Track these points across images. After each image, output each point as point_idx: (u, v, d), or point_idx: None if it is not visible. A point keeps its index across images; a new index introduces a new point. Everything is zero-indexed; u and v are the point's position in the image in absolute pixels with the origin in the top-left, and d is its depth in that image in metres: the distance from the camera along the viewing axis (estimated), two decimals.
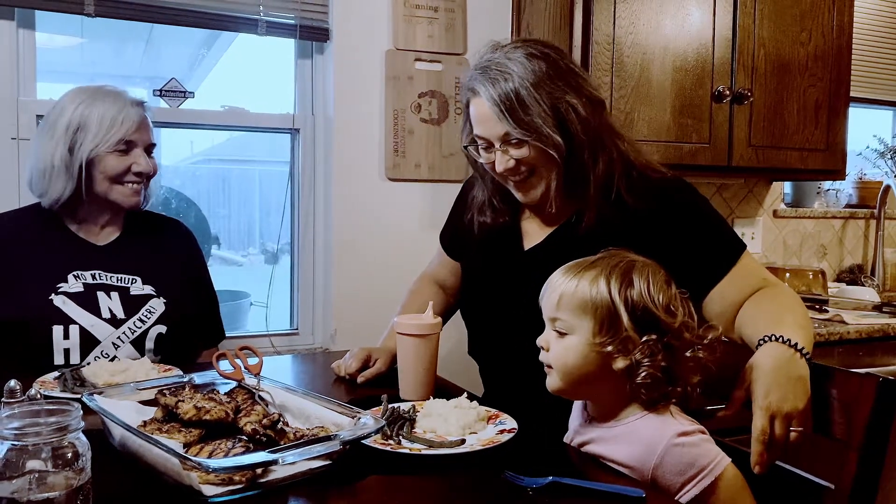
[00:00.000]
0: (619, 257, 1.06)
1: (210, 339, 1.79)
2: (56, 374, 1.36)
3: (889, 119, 3.35)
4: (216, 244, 2.97)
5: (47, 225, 1.62)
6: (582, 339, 1.02)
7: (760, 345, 1.11)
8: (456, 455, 1.02)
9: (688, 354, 1.02)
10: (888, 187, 2.95)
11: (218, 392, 1.12)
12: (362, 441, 0.99)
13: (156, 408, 1.07)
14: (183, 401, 1.02)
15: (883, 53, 3.05)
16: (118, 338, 1.55)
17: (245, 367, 1.21)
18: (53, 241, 1.61)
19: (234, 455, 0.92)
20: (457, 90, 2.24)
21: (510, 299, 1.39)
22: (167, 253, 1.72)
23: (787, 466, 1.13)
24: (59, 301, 1.53)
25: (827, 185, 3.09)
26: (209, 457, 0.91)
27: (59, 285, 1.54)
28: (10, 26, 1.90)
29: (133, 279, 1.62)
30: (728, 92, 2.20)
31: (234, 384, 1.18)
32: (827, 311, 2.27)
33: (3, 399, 1.06)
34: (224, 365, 1.21)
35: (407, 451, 1.02)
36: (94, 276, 1.59)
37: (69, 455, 0.74)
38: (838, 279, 2.99)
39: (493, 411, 1.17)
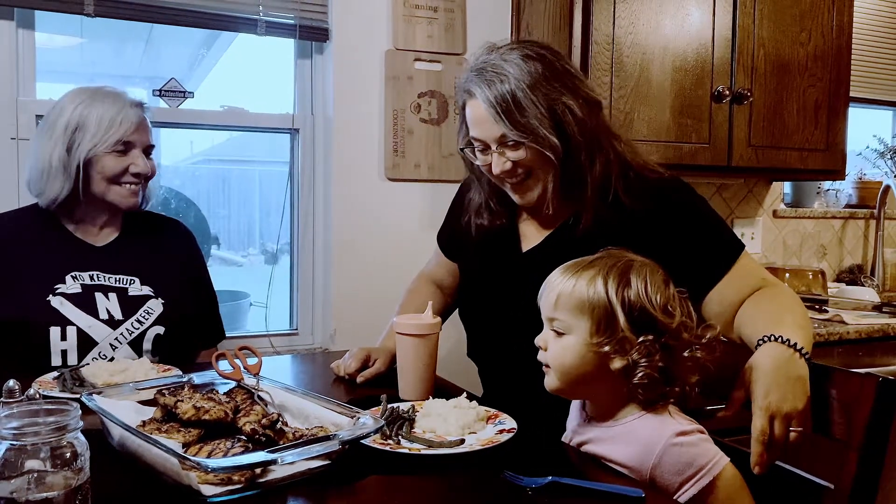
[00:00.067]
0: (618, 257, 1.06)
1: (209, 339, 1.79)
2: (55, 374, 1.36)
3: (889, 119, 3.35)
4: (216, 244, 2.96)
5: (46, 225, 1.62)
6: (579, 339, 1.02)
7: (759, 345, 1.11)
8: (455, 455, 1.02)
9: (686, 354, 1.02)
10: (888, 187, 2.95)
11: (217, 392, 1.12)
12: (361, 441, 0.99)
13: (155, 408, 1.07)
14: (182, 401, 1.02)
15: (882, 53, 3.05)
16: (116, 339, 1.55)
17: (244, 367, 1.21)
18: (52, 241, 1.61)
19: (233, 455, 0.92)
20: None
21: (508, 301, 1.39)
22: (166, 253, 1.72)
23: (787, 466, 1.13)
24: (56, 302, 1.52)
25: (827, 185, 3.09)
26: (208, 457, 0.91)
27: (56, 286, 1.54)
28: (9, 26, 1.90)
29: (131, 280, 1.62)
30: (728, 92, 2.20)
31: (233, 384, 1.18)
32: (827, 312, 2.27)
33: (2, 399, 1.06)
34: (223, 365, 1.21)
35: (406, 450, 1.02)
36: (92, 277, 1.58)
37: (68, 455, 0.74)
38: (838, 279, 2.99)
39: (493, 411, 1.17)
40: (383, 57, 2.18)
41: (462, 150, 1.40)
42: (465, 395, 1.20)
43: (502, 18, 2.32)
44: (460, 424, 1.09)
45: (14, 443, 0.72)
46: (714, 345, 1.04)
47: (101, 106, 1.56)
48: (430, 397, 1.23)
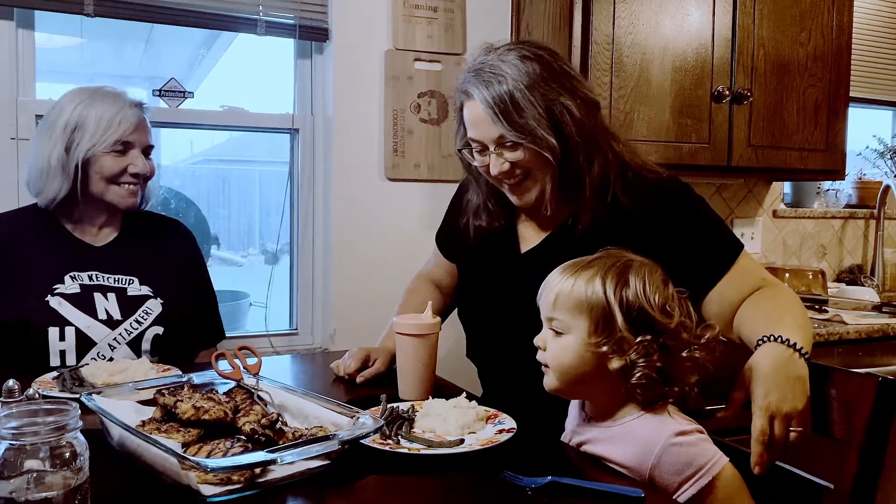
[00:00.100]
0: (617, 257, 1.06)
1: (209, 339, 1.79)
2: (55, 373, 1.36)
3: (889, 119, 3.35)
4: (216, 244, 2.96)
5: (45, 225, 1.62)
6: (578, 339, 1.02)
7: (759, 345, 1.11)
8: (455, 455, 1.02)
9: (684, 355, 1.01)
10: (888, 187, 2.95)
11: (217, 392, 1.12)
12: (361, 441, 0.99)
13: (154, 407, 1.07)
14: (181, 400, 1.02)
15: (882, 53, 3.05)
16: (114, 339, 1.55)
17: (244, 367, 1.21)
18: (51, 241, 1.61)
19: (233, 455, 0.92)
20: None
21: (507, 303, 1.39)
22: (166, 253, 1.72)
23: (787, 466, 1.13)
24: (55, 302, 1.52)
25: (826, 185, 3.09)
26: (207, 456, 0.91)
27: (55, 286, 1.54)
28: (9, 26, 1.90)
29: (130, 280, 1.62)
30: (727, 92, 2.20)
31: (232, 384, 1.18)
32: (826, 312, 2.27)
33: (1, 399, 1.06)
34: (223, 365, 1.21)
35: (406, 450, 1.02)
36: (91, 277, 1.58)
37: (67, 455, 0.74)
38: (838, 279, 2.99)
39: (492, 411, 1.17)
40: (383, 57, 2.18)
41: (460, 151, 1.39)
42: (464, 394, 1.20)
43: (502, 18, 2.32)
44: (460, 424, 1.09)
45: (13, 442, 0.72)
46: (713, 345, 1.04)
47: (100, 106, 1.56)
48: (430, 397, 1.23)
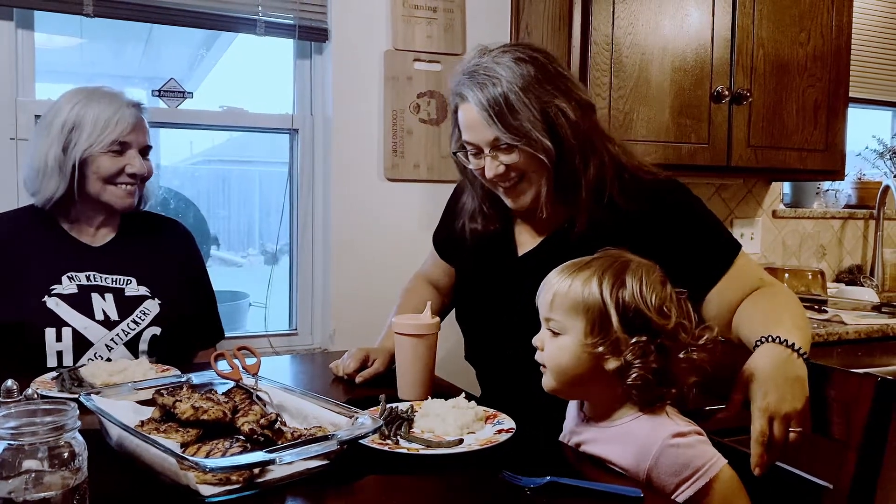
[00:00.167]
0: (615, 257, 1.06)
1: (208, 339, 1.79)
2: (54, 374, 1.36)
3: (888, 119, 3.35)
4: (215, 245, 2.96)
5: (43, 226, 1.62)
6: (574, 340, 1.02)
7: (757, 346, 1.11)
8: (454, 455, 1.02)
9: (681, 356, 1.01)
10: (887, 188, 2.95)
11: (216, 392, 1.12)
12: (360, 441, 0.99)
13: (153, 408, 1.07)
14: (180, 401, 1.02)
15: (882, 54, 3.05)
16: (111, 339, 1.55)
17: (243, 368, 1.21)
18: (49, 242, 1.61)
19: (232, 455, 0.92)
20: None
21: (505, 306, 1.38)
22: (164, 253, 1.72)
23: (786, 466, 1.13)
24: (52, 303, 1.52)
25: (826, 185, 3.09)
26: (206, 457, 0.91)
27: (52, 287, 1.54)
28: (8, 27, 1.90)
29: (128, 280, 1.61)
30: (727, 92, 2.20)
31: (231, 384, 1.18)
32: (826, 312, 2.27)
33: (0, 399, 1.06)
34: (222, 365, 1.20)
35: (405, 450, 1.02)
36: (88, 278, 1.58)
37: (66, 455, 0.74)
38: (837, 279, 2.99)
39: (491, 411, 1.17)
40: (382, 57, 2.18)
41: (455, 154, 1.38)
42: (463, 395, 1.20)
43: (502, 19, 2.32)
44: (459, 424, 1.09)
45: (12, 443, 0.72)
46: (711, 346, 1.03)
47: (97, 106, 1.56)
48: (429, 397, 1.23)
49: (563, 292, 1.03)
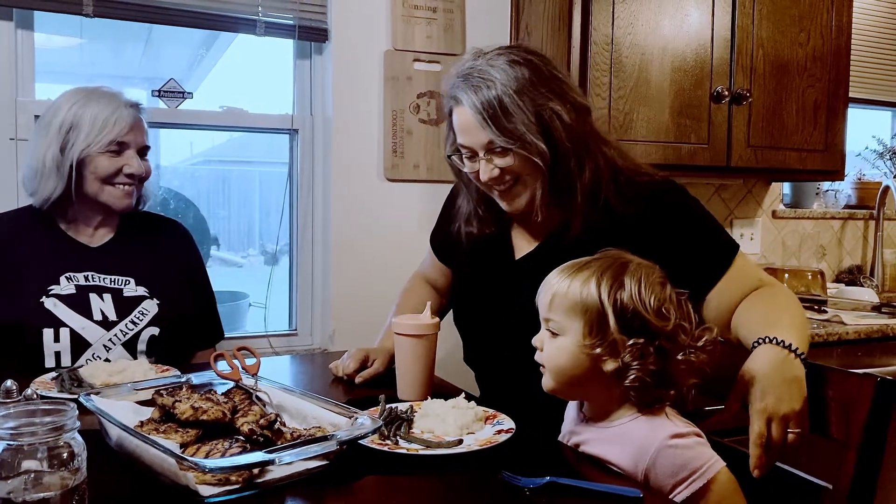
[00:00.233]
0: (614, 258, 1.06)
1: (208, 339, 1.79)
2: (53, 374, 1.36)
3: (888, 120, 3.35)
4: (215, 245, 2.96)
5: (41, 226, 1.62)
6: (573, 341, 1.02)
7: (755, 347, 1.11)
8: (453, 455, 1.02)
9: (680, 357, 1.01)
10: (887, 188, 2.95)
11: (215, 392, 1.12)
12: (359, 441, 0.99)
13: (153, 408, 1.07)
14: (180, 401, 1.02)
15: (881, 54, 3.05)
16: (109, 340, 1.55)
17: (242, 368, 1.21)
18: (47, 242, 1.61)
19: (231, 455, 0.92)
20: None
21: (503, 309, 1.38)
22: (163, 254, 1.72)
23: (786, 467, 1.13)
24: (49, 304, 1.52)
25: (826, 185, 3.09)
26: (206, 457, 0.91)
27: (50, 287, 1.54)
28: (8, 27, 1.90)
29: (127, 280, 1.61)
30: (727, 92, 2.20)
31: (231, 384, 1.18)
32: (826, 312, 2.27)
33: None
34: (221, 365, 1.20)
35: (404, 451, 1.02)
36: (86, 278, 1.58)
37: (65, 455, 0.74)
38: (837, 280, 2.99)
39: (491, 411, 1.17)
40: (382, 57, 2.18)
41: (449, 157, 1.38)
42: (463, 395, 1.20)
43: (501, 19, 2.32)
44: (458, 425, 1.09)
45: (11, 443, 0.72)
46: (710, 348, 1.03)
47: (95, 106, 1.56)
48: (429, 398, 1.23)
49: (562, 293, 1.03)
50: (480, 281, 1.46)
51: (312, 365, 1.77)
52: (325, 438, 0.95)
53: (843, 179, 2.62)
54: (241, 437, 0.98)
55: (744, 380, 1.08)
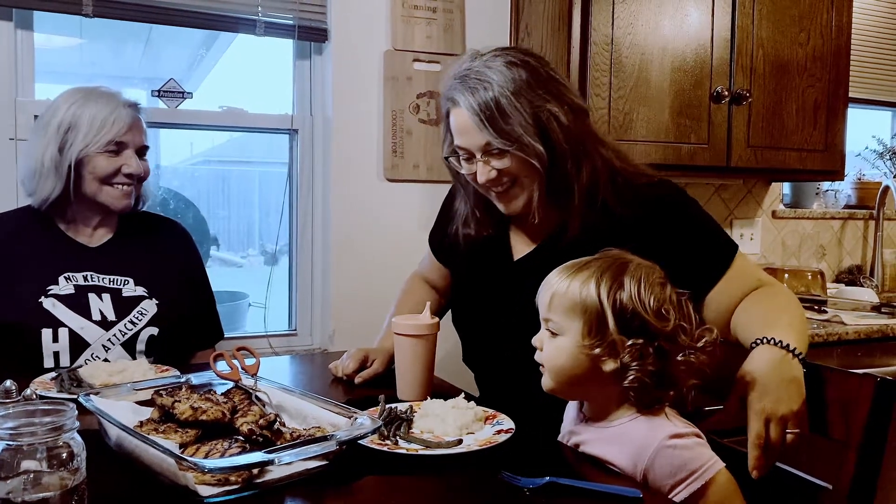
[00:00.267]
0: (614, 258, 1.06)
1: (207, 339, 1.78)
2: (53, 374, 1.36)
3: (888, 120, 3.35)
4: (215, 245, 2.96)
5: (40, 226, 1.62)
6: (572, 341, 1.02)
7: (753, 348, 1.11)
8: (453, 455, 1.02)
9: (679, 358, 1.01)
10: (887, 188, 2.95)
11: (215, 392, 1.12)
12: (359, 441, 0.99)
13: (152, 408, 1.07)
14: (179, 401, 1.02)
15: (881, 54, 3.05)
16: (108, 340, 1.54)
17: (242, 368, 1.20)
18: (46, 242, 1.61)
19: (231, 455, 0.92)
20: None
21: (502, 310, 1.38)
22: (162, 254, 1.72)
23: (786, 467, 1.13)
24: (48, 304, 1.52)
25: (826, 185, 3.09)
26: (205, 457, 0.91)
27: (49, 287, 1.54)
28: (8, 27, 1.90)
29: (126, 280, 1.61)
30: (727, 92, 2.20)
31: (231, 385, 1.18)
32: (826, 312, 2.27)
33: None
34: (221, 365, 1.20)
35: (404, 451, 1.02)
36: (85, 278, 1.58)
37: (64, 455, 0.74)
38: (837, 280, 2.99)
39: (491, 412, 1.17)
40: (382, 57, 2.18)
41: (447, 158, 1.38)
42: (462, 395, 1.20)
43: (501, 19, 2.32)
44: (458, 425, 1.09)
45: (10, 443, 0.72)
46: (710, 349, 1.03)
47: (94, 106, 1.55)
48: (429, 398, 1.23)
49: (562, 293, 1.03)
50: (479, 282, 1.46)
51: (312, 365, 1.77)
52: (324, 438, 0.94)
53: (842, 179, 2.62)
54: (241, 438, 0.98)
55: (742, 380, 1.07)
